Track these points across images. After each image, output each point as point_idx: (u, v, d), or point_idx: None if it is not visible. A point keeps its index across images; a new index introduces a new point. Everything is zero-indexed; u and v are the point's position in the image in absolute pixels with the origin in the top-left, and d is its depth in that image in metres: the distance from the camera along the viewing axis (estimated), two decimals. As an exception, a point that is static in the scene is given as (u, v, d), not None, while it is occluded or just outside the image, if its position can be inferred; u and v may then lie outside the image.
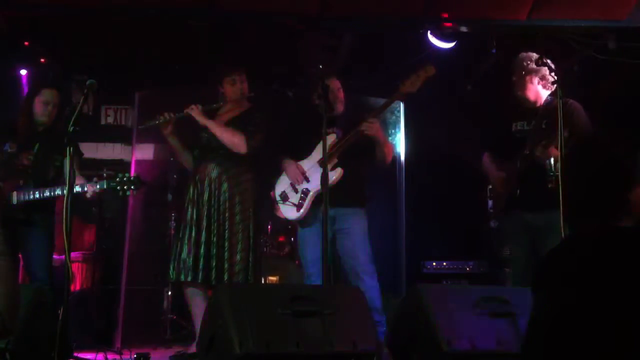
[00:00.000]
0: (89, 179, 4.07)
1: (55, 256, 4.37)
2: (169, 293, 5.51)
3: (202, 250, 4.18)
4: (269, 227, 5.82)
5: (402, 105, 6.14)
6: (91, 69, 5.58)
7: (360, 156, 4.32)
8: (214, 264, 4.17)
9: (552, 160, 3.71)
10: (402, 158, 6.22)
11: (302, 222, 4.37)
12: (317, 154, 4.23)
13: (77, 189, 3.97)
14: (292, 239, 5.78)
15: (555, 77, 3.70)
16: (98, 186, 3.97)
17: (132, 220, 5.70)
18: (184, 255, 4.20)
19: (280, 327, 2.87)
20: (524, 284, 3.61)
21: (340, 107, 4.43)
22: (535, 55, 3.96)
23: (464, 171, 6.13)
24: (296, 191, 4.34)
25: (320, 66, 4.23)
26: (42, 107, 4.18)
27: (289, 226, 5.72)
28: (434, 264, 6.12)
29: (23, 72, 5.87)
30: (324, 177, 3.81)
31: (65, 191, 3.57)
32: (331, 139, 4.23)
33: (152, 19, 5.20)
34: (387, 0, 4.83)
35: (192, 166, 4.47)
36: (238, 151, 4.28)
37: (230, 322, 2.79)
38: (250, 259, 4.25)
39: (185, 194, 4.42)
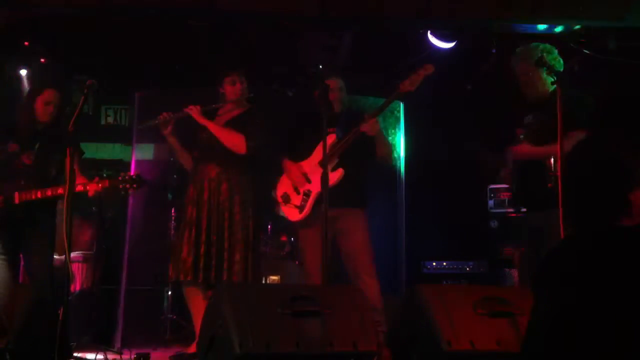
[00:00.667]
0: (89, 179, 4.06)
1: (55, 256, 4.37)
2: (169, 293, 5.51)
3: (202, 250, 4.18)
4: (269, 227, 5.82)
5: (402, 105, 6.15)
6: (91, 69, 5.58)
7: (361, 156, 4.32)
8: (213, 263, 4.17)
9: (552, 159, 3.70)
10: (402, 158, 6.23)
11: (303, 222, 4.36)
12: (318, 154, 4.23)
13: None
14: (292, 239, 5.78)
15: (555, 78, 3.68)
16: (100, 185, 3.97)
17: (132, 220, 5.70)
18: (184, 255, 4.20)
19: (280, 327, 2.87)
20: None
21: (339, 107, 4.43)
22: (532, 46, 3.93)
23: (464, 171, 6.14)
24: (298, 192, 4.34)
25: (320, 66, 4.24)
26: (43, 107, 4.18)
27: (289, 226, 5.72)
28: (434, 264, 6.12)
29: (23, 72, 5.86)
30: (324, 178, 3.81)
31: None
32: (331, 139, 4.23)
33: (152, 19, 5.20)
34: (387, 0, 4.83)
35: (192, 166, 4.47)
36: (237, 151, 4.28)
37: (230, 322, 2.79)
38: (250, 258, 4.25)
39: (185, 194, 4.42)
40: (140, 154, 5.96)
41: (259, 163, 4.45)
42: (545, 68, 3.79)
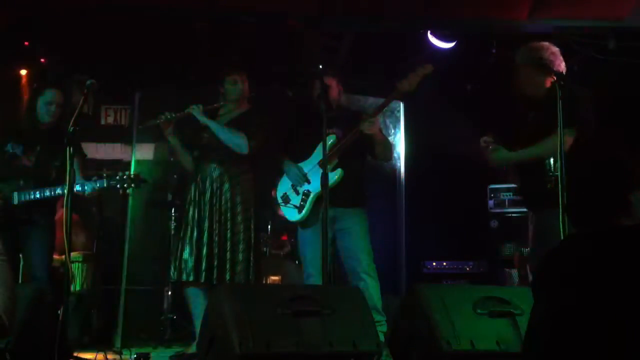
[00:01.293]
0: (88, 179, 4.06)
1: (55, 256, 4.38)
2: (169, 293, 5.51)
3: (204, 251, 4.18)
4: (269, 227, 5.82)
5: (402, 105, 6.15)
6: (91, 69, 5.58)
7: (361, 156, 4.32)
8: (215, 263, 4.17)
9: (551, 160, 3.69)
10: (402, 158, 6.23)
11: (303, 222, 4.37)
12: (318, 155, 4.23)
13: (77, 187, 3.97)
14: (293, 239, 5.78)
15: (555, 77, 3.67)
16: (98, 184, 3.97)
17: (132, 220, 5.70)
18: (185, 255, 4.20)
19: (280, 327, 2.87)
20: None
21: (338, 107, 4.43)
22: (533, 46, 3.92)
23: (464, 171, 6.13)
24: (297, 193, 4.34)
25: (320, 66, 4.23)
26: (45, 107, 4.18)
27: (289, 226, 5.72)
28: (434, 264, 6.12)
29: (23, 72, 5.86)
30: (324, 178, 3.81)
31: (65, 190, 3.56)
32: (331, 139, 4.23)
33: (152, 19, 5.20)
34: (387, 0, 4.83)
35: (192, 166, 4.47)
36: (239, 152, 4.28)
37: (230, 322, 2.79)
38: (252, 258, 4.26)
39: (185, 194, 4.42)
40: (140, 154, 5.97)
41: (259, 163, 4.45)
42: (543, 67, 3.79)
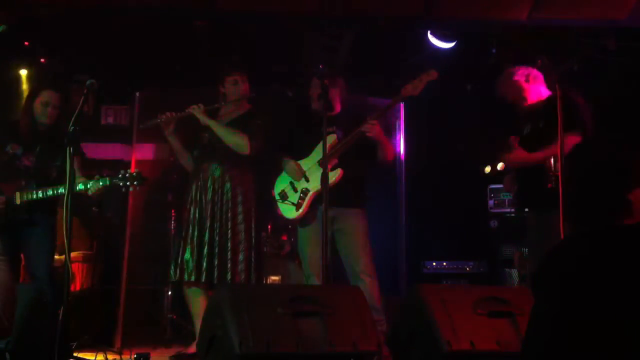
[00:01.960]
0: (91, 178, 4.06)
1: (55, 256, 4.37)
2: (169, 293, 5.51)
3: (205, 251, 4.18)
4: (269, 226, 5.82)
5: (402, 105, 6.14)
6: (91, 69, 5.58)
7: (361, 157, 4.31)
8: (216, 263, 4.17)
9: (552, 160, 3.71)
10: (402, 158, 6.23)
11: (301, 221, 4.36)
12: (317, 154, 4.23)
13: (80, 186, 3.97)
14: (293, 238, 5.78)
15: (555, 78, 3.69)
16: (101, 183, 3.98)
17: (132, 220, 5.70)
18: (187, 255, 4.20)
19: (280, 327, 2.86)
20: None
21: (337, 106, 4.43)
22: (515, 70, 4.03)
23: (464, 171, 6.14)
24: (295, 190, 4.34)
25: (321, 66, 4.23)
26: (42, 108, 4.18)
27: (289, 226, 5.72)
28: (434, 264, 6.12)
29: (23, 72, 5.86)
30: (324, 177, 3.81)
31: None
32: (331, 139, 4.23)
33: (152, 19, 5.20)
34: (387, 0, 4.83)
35: (192, 166, 4.47)
36: (241, 152, 4.29)
37: (230, 322, 2.79)
38: (252, 258, 4.26)
39: (186, 194, 4.42)
40: (140, 154, 5.96)
41: (259, 163, 4.45)
42: (529, 78, 3.94)
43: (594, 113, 3.86)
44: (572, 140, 3.49)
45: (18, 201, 4.03)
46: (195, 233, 4.23)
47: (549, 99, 4.02)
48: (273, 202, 4.45)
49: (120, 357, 4.38)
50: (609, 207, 1.78)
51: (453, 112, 6.25)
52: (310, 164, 4.32)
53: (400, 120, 6.23)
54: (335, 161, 4.21)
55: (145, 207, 5.90)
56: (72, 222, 3.32)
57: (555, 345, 1.65)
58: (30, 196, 4.02)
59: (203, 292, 4.25)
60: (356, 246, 4.27)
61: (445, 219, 6.27)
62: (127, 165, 5.90)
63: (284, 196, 4.37)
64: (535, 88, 4.09)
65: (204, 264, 4.17)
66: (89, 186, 3.98)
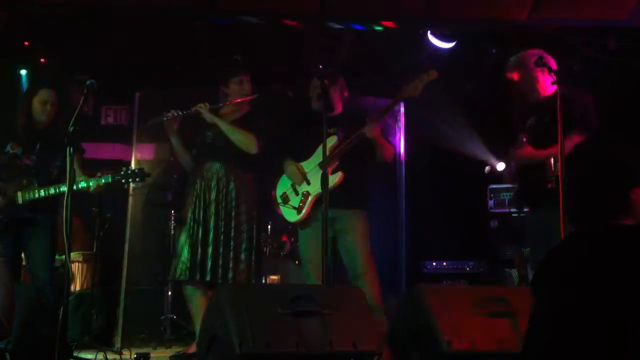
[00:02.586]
0: (92, 176, 4.06)
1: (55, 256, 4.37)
2: (169, 293, 5.51)
3: (210, 250, 4.18)
4: (269, 227, 5.82)
5: (402, 105, 6.14)
6: (91, 69, 5.58)
7: (362, 159, 4.31)
8: (220, 263, 4.17)
9: (552, 160, 3.70)
10: (402, 158, 6.22)
11: (301, 223, 4.36)
12: (318, 156, 4.22)
13: (82, 184, 3.97)
14: (293, 239, 5.78)
15: (555, 77, 3.68)
16: (103, 180, 3.98)
17: (132, 220, 5.70)
18: (190, 254, 4.19)
19: (280, 327, 2.86)
20: None
21: (338, 107, 4.42)
22: (533, 52, 3.94)
23: (464, 171, 6.14)
24: (297, 193, 4.33)
25: (321, 66, 4.22)
26: (40, 107, 4.18)
27: (289, 226, 5.71)
28: (434, 264, 6.12)
29: (23, 72, 5.87)
30: (324, 180, 3.80)
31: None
32: (332, 141, 4.22)
33: (152, 19, 5.21)
34: (387, 0, 4.83)
35: (192, 166, 4.46)
36: (248, 151, 4.28)
37: (230, 322, 2.79)
38: (254, 258, 4.26)
39: (187, 193, 4.41)
40: (140, 154, 5.96)
41: (260, 163, 4.44)
42: (545, 68, 3.80)
43: (599, 109, 3.82)
44: (575, 139, 3.48)
45: (20, 200, 4.03)
46: (199, 233, 4.22)
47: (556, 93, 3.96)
48: (275, 204, 4.45)
49: (120, 357, 4.38)
50: (610, 207, 1.78)
51: (453, 112, 6.25)
52: (311, 166, 4.31)
53: (400, 120, 6.23)
54: (336, 163, 4.20)
55: (145, 207, 5.90)
56: (72, 222, 3.31)
57: (555, 345, 1.65)
58: (32, 195, 4.02)
59: (203, 292, 4.24)
60: (356, 247, 4.26)
61: (445, 219, 6.27)
62: (127, 165, 5.90)
63: (285, 199, 4.36)
64: (546, 80, 3.99)
65: (209, 263, 4.16)
66: (90, 184, 3.98)
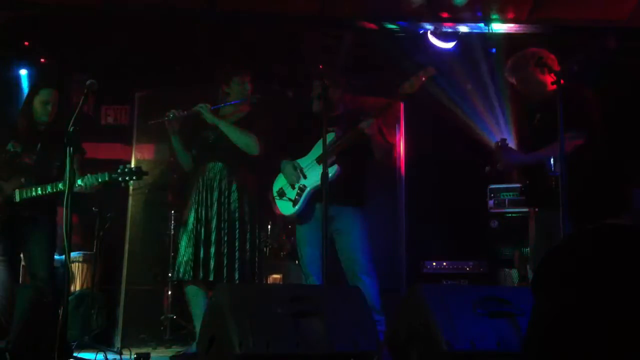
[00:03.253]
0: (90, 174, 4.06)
1: (55, 256, 4.37)
2: (169, 293, 5.51)
3: (212, 250, 4.18)
4: (269, 227, 5.82)
5: (402, 105, 6.14)
6: (91, 69, 5.58)
7: (360, 155, 4.30)
8: (225, 263, 4.17)
9: (552, 159, 3.69)
10: (402, 158, 6.22)
11: (300, 219, 4.35)
12: (316, 151, 4.23)
13: (79, 182, 3.95)
14: (293, 238, 5.78)
15: (555, 77, 3.67)
16: (100, 178, 3.97)
17: (132, 220, 5.70)
18: (193, 254, 4.18)
19: (280, 327, 2.86)
20: None
21: (339, 107, 4.42)
22: (529, 53, 3.92)
23: (464, 171, 6.13)
24: (293, 187, 4.33)
25: (321, 66, 4.23)
26: (41, 106, 4.19)
27: (289, 226, 5.72)
28: (434, 264, 6.11)
29: (23, 72, 5.87)
30: (324, 176, 3.80)
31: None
32: (330, 137, 4.21)
33: (152, 19, 5.21)
34: (387, 0, 4.83)
35: (191, 166, 4.46)
36: (250, 152, 4.29)
37: (230, 322, 2.79)
38: (256, 258, 4.27)
39: (187, 194, 4.41)
40: (140, 154, 5.96)
41: (260, 163, 4.44)
42: (545, 68, 3.78)
43: (601, 107, 3.79)
44: (575, 141, 3.47)
45: (17, 198, 4.03)
46: (202, 232, 4.22)
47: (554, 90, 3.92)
48: (271, 201, 4.44)
49: (120, 357, 4.38)
50: (610, 205, 1.78)
51: (453, 112, 6.25)
52: (308, 161, 4.31)
53: (400, 120, 6.23)
54: (333, 157, 4.20)
55: (145, 207, 5.90)
56: (72, 221, 3.31)
57: (555, 345, 1.65)
58: (29, 193, 4.01)
59: (203, 292, 4.25)
60: (355, 246, 4.25)
61: (445, 219, 6.26)
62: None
63: (281, 194, 4.37)
64: (547, 79, 3.95)
65: (212, 263, 4.16)
66: (86, 181, 3.94)
